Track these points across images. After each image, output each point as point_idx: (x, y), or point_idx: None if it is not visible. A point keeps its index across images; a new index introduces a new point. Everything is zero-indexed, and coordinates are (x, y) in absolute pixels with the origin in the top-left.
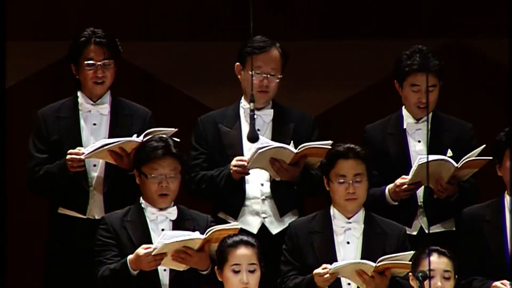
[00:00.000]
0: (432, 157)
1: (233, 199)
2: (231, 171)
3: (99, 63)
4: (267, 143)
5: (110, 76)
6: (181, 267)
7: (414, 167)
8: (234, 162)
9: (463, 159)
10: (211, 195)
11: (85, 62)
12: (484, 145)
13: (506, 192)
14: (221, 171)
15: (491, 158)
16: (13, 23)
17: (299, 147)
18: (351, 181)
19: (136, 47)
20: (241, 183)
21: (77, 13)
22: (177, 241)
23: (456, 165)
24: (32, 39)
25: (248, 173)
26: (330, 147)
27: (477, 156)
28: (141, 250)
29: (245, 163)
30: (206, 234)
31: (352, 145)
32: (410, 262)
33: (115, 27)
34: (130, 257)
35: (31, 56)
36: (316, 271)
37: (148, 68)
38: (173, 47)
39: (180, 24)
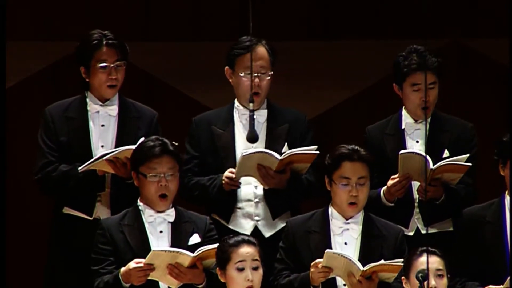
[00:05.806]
0: (407, 150)
1: (225, 201)
2: (223, 182)
3: (112, 65)
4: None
5: (121, 79)
6: (174, 284)
7: (399, 160)
8: (226, 173)
9: (440, 162)
10: (203, 201)
11: (99, 64)
12: (468, 155)
13: (506, 192)
14: (213, 180)
15: (470, 164)
16: (13, 23)
17: (284, 154)
18: (354, 184)
19: (136, 47)
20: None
21: (77, 13)
22: (165, 252)
23: (431, 167)
24: (32, 39)
25: (239, 187)
26: (316, 152)
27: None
28: (132, 264)
29: (233, 175)
30: (197, 253)
31: (356, 147)
32: (399, 265)
33: (115, 27)
34: (122, 269)
35: (31, 56)
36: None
37: (148, 68)
38: (173, 47)
39: (180, 24)
